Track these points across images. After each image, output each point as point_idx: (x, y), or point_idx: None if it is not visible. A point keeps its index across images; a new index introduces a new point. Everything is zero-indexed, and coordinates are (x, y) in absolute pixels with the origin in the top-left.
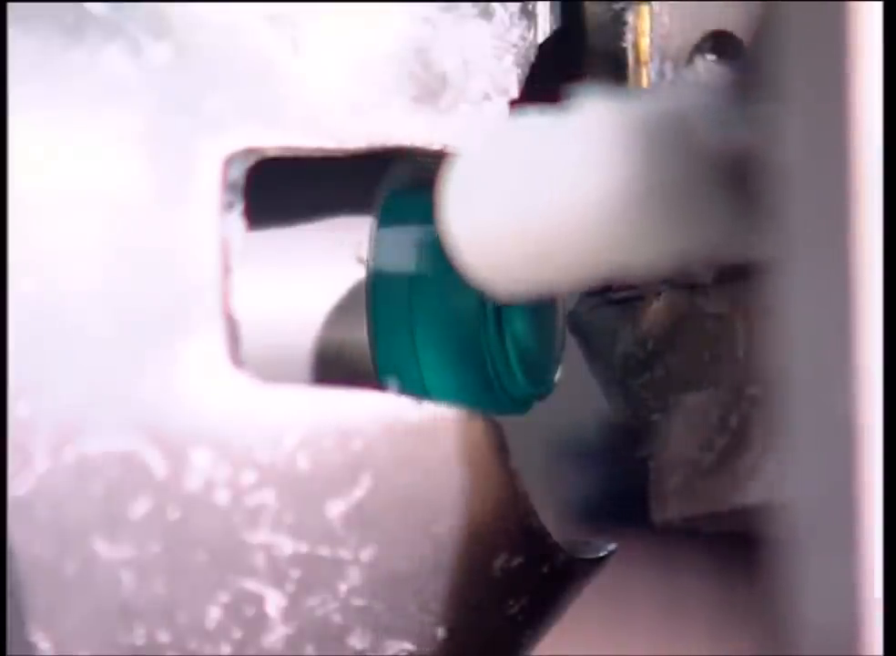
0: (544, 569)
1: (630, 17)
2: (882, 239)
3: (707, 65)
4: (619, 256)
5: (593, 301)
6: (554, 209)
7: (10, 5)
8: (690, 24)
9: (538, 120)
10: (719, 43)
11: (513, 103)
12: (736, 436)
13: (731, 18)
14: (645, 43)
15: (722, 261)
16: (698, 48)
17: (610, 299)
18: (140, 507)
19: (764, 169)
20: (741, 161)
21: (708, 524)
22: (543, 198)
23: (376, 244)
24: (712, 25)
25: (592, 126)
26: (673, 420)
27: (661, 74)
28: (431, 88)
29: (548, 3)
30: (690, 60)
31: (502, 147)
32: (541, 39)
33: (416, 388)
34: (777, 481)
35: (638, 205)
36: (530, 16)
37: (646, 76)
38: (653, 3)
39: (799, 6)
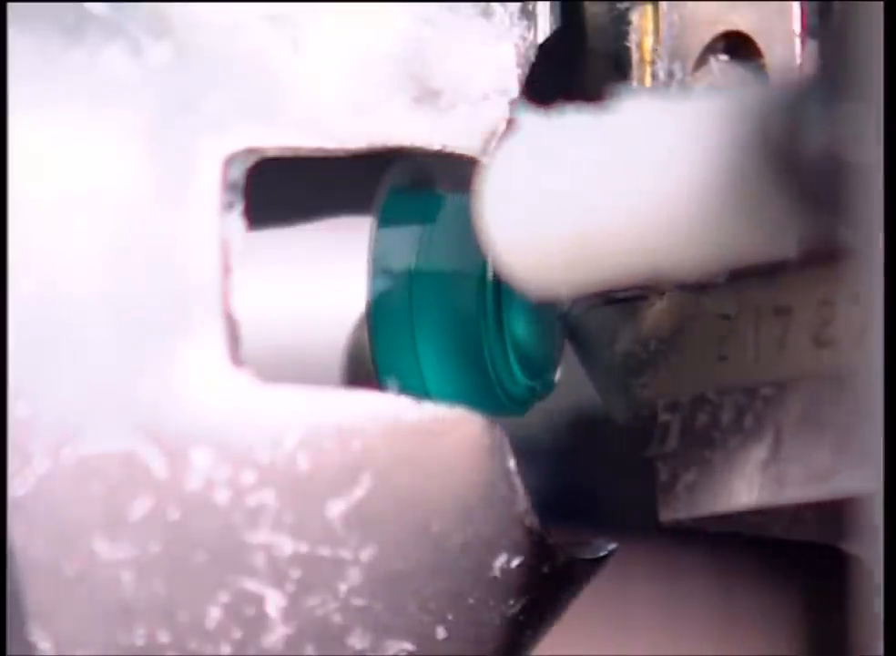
0: (545, 569)
1: (634, 17)
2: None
3: (721, 65)
4: (675, 257)
5: (589, 300)
6: (605, 209)
7: (10, 5)
8: (702, 24)
9: (582, 119)
10: (732, 43)
11: (512, 103)
12: (750, 437)
13: (744, 18)
14: (649, 42)
15: (774, 260)
16: (710, 49)
17: (611, 298)
18: (140, 507)
19: (843, 169)
20: (815, 162)
21: (718, 524)
22: (592, 198)
23: (376, 244)
24: (724, 26)
25: (652, 124)
26: (684, 420)
27: (671, 74)
28: (431, 88)
29: (548, 3)
30: (703, 60)
31: (544, 146)
32: (541, 39)
33: (416, 388)
34: (791, 482)
35: (700, 206)
36: (530, 16)
37: (650, 75)
38: (662, 2)
39: (879, 6)
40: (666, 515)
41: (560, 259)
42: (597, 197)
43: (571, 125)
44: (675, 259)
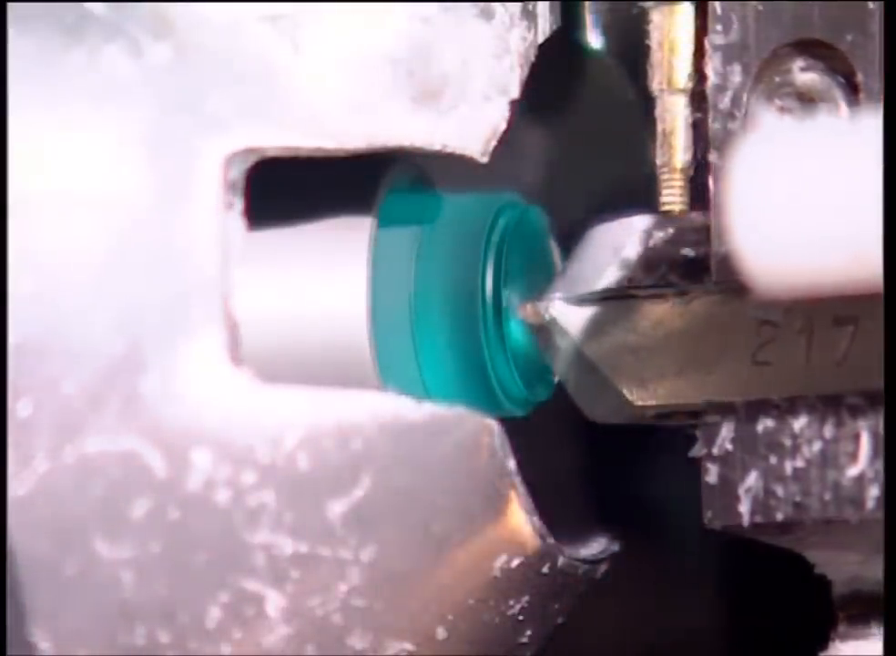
0: (544, 569)
1: (656, 16)
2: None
3: (804, 72)
4: None
5: (583, 295)
6: (864, 211)
7: (10, 5)
8: (768, 28)
9: (829, 122)
10: (807, 50)
11: (512, 103)
12: (831, 446)
13: (814, 24)
14: (670, 42)
15: None
16: (776, 54)
17: (627, 294)
18: (140, 507)
19: None
20: None
21: (782, 534)
22: (851, 201)
23: (376, 244)
24: (796, 31)
25: None
26: (739, 423)
27: (724, 77)
28: (431, 88)
29: (548, 3)
30: (772, 65)
31: (793, 147)
32: (541, 39)
33: (416, 388)
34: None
35: None
36: (530, 16)
37: (668, 75)
38: (717, 3)
39: None
40: (715, 519)
41: (808, 262)
42: (856, 200)
43: (817, 127)
44: None
